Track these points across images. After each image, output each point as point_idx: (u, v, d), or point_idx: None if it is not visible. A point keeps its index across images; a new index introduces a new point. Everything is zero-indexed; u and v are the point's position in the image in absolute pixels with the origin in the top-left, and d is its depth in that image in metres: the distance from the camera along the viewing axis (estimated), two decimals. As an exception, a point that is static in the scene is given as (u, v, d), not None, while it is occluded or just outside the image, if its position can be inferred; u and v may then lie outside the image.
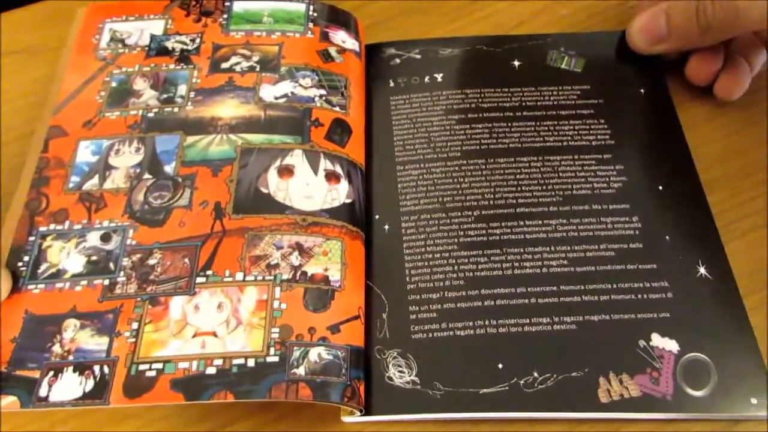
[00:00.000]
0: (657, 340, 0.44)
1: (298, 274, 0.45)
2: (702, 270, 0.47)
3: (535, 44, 0.58)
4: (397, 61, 0.58)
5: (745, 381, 0.43)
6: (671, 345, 0.44)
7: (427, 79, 0.57)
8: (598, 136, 0.53)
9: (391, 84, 0.57)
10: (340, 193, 0.49)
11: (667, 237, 0.48)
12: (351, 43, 0.57)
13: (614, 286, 0.46)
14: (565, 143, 0.52)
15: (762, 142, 0.53)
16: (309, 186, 0.48)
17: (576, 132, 0.53)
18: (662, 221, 0.49)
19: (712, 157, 0.52)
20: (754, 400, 0.42)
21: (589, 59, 0.57)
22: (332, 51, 0.56)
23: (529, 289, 0.46)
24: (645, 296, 0.46)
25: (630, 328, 0.45)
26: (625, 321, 0.45)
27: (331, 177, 0.49)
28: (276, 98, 0.52)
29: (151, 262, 0.45)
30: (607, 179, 0.51)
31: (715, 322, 0.45)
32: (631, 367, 0.43)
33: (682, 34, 0.53)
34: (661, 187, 0.50)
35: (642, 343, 0.44)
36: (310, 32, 0.57)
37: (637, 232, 0.48)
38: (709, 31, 0.51)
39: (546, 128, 0.53)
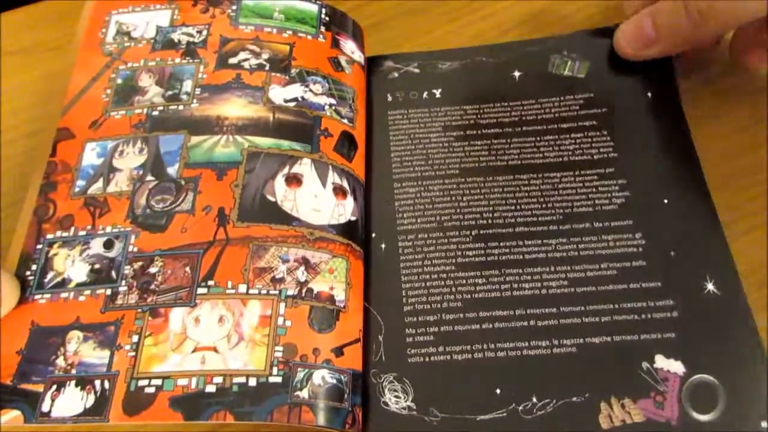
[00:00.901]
0: (661, 362, 0.41)
1: (304, 290, 0.42)
2: (710, 286, 0.43)
3: (536, 50, 0.54)
4: (395, 74, 0.54)
5: (756, 403, 0.40)
6: (676, 367, 0.41)
7: (425, 94, 0.53)
8: (601, 149, 0.49)
9: (389, 98, 0.53)
10: (347, 210, 0.45)
11: (673, 252, 0.45)
12: (358, 55, 0.54)
13: (616, 306, 0.43)
14: (565, 158, 0.49)
15: (762, 142, 0.50)
16: (317, 198, 0.45)
17: (577, 146, 0.49)
18: (667, 236, 0.45)
19: (711, 157, 0.49)
20: (764, 424, 0.39)
21: (593, 61, 0.53)
22: (342, 60, 0.52)
23: (528, 311, 0.44)
24: (649, 316, 0.43)
25: (633, 350, 0.42)
26: (628, 343, 0.42)
27: (339, 192, 0.46)
28: (285, 101, 0.49)
29: (152, 270, 0.42)
30: (609, 195, 0.47)
31: (724, 340, 0.42)
32: (634, 390, 0.41)
33: (672, 34, 0.48)
34: (666, 200, 0.47)
35: (645, 365, 0.41)
36: (321, 36, 0.53)
37: (640, 249, 0.45)
38: (702, 23, 0.46)
39: (546, 143, 0.50)
